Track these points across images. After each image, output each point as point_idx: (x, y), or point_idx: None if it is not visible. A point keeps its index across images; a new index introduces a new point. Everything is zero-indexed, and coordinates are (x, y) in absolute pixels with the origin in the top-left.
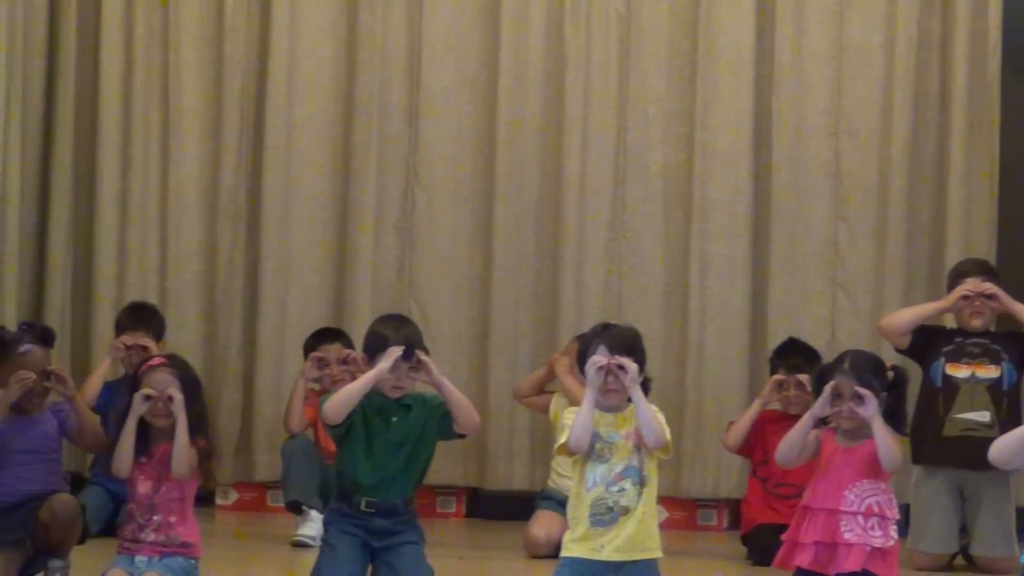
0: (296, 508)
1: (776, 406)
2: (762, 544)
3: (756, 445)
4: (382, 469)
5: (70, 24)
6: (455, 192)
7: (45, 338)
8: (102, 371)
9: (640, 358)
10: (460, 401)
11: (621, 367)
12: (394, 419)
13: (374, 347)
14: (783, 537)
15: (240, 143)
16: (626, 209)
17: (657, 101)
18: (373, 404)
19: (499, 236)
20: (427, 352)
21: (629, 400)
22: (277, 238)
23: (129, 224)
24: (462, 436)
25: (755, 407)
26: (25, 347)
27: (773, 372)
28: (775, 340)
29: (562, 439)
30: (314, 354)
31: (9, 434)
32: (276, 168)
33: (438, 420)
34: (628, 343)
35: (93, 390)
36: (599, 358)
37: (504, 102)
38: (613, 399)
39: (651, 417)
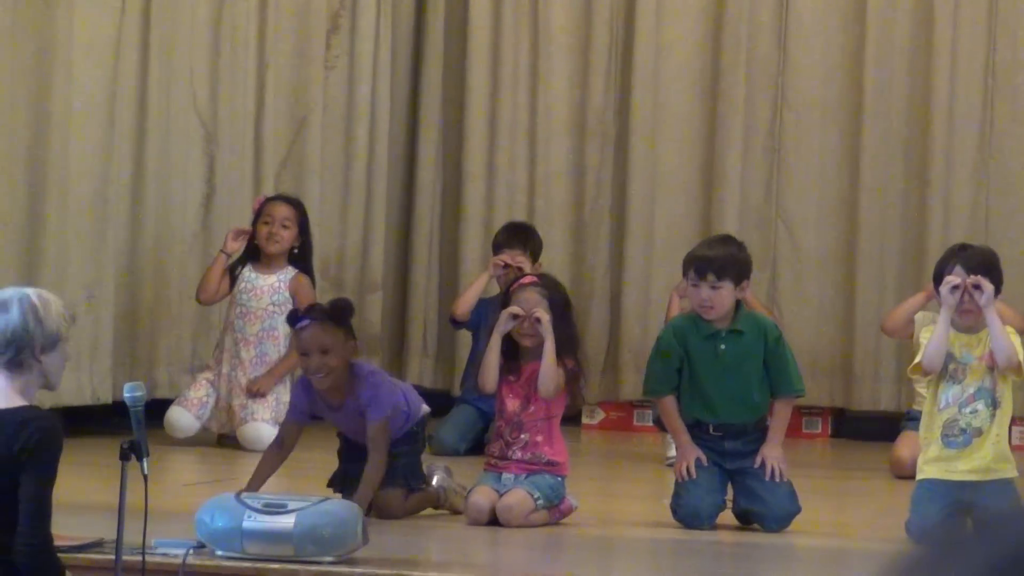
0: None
1: None
2: None
3: None
4: (717, 394)
5: None
6: (823, 113)
7: (335, 315)
8: (478, 287)
9: (997, 279)
10: None
11: (977, 287)
12: (723, 347)
13: (683, 270)
14: None
15: (609, 63)
16: (995, 130)
17: None
18: (701, 332)
19: (867, 157)
20: (733, 275)
21: None
22: (645, 158)
23: (497, 144)
24: None
25: None
26: (301, 323)
27: None
28: None
29: (917, 358)
30: None
31: (329, 419)
32: (644, 88)
33: (774, 343)
34: (986, 263)
35: (467, 304)
36: (954, 278)
37: (873, 22)
38: (968, 319)
39: (1004, 337)
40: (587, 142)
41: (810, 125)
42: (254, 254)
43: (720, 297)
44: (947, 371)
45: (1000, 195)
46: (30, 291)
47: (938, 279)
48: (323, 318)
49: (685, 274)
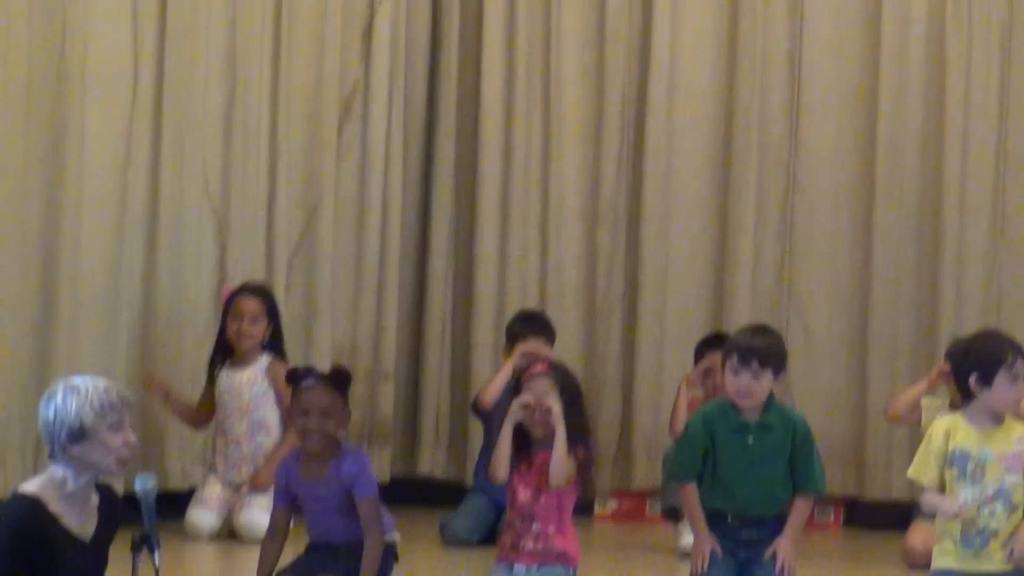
0: (673, 515)
1: None
2: None
3: None
4: (740, 486)
5: (452, 29)
6: (835, 197)
7: (337, 380)
8: (504, 376)
9: None
10: None
11: None
12: (751, 440)
13: (723, 356)
14: None
15: (620, 148)
16: (1006, 215)
17: None
18: (731, 422)
19: (879, 241)
20: (774, 365)
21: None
22: (656, 244)
23: (509, 230)
24: None
25: None
26: (307, 382)
27: None
28: None
29: (911, 471)
30: (701, 364)
31: (303, 498)
32: (656, 173)
33: (802, 439)
34: None
35: (494, 394)
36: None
37: (884, 106)
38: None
39: None
40: (599, 228)
41: (822, 209)
42: (228, 350)
43: (760, 386)
44: (965, 472)
45: (1012, 281)
46: (69, 381)
47: (989, 366)
48: (327, 381)
49: (726, 360)
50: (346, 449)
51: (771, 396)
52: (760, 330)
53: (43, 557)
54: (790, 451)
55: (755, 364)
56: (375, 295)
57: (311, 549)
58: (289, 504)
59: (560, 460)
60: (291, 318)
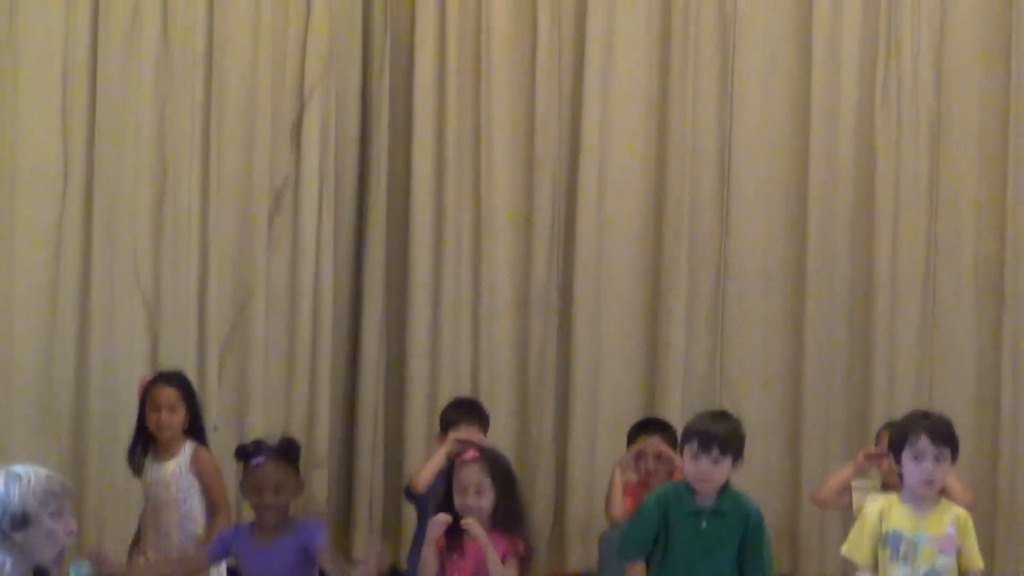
0: None
1: None
2: None
3: None
4: (688, 570)
5: (382, 122)
6: (766, 283)
7: (287, 452)
8: (438, 461)
9: (956, 448)
10: None
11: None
12: (704, 525)
13: (682, 440)
14: None
15: (551, 237)
16: (937, 301)
17: (968, 192)
18: (685, 506)
19: (810, 326)
20: (733, 451)
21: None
22: (588, 332)
23: (441, 319)
24: None
25: None
26: (257, 460)
27: None
28: None
29: (844, 548)
30: (633, 447)
31: (250, 564)
32: (587, 261)
33: (754, 527)
34: (949, 432)
35: (427, 479)
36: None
37: (815, 193)
38: (928, 491)
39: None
40: (531, 316)
41: (753, 296)
42: (150, 440)
43: (719, 472)
44: (898, 552)
45: (943, 365)
46: (10, 469)
47: (898, 445)
48: (276, 456)
49: (684, 445)
50: (297, 517)
51: (727, 482)
52: (720, 416)
53: None
54: (741, 538)
55: (715, 451)
56: (307, 384)
57: None
58: (219, 555)
59: (496, 568)
60: (223, 407)
